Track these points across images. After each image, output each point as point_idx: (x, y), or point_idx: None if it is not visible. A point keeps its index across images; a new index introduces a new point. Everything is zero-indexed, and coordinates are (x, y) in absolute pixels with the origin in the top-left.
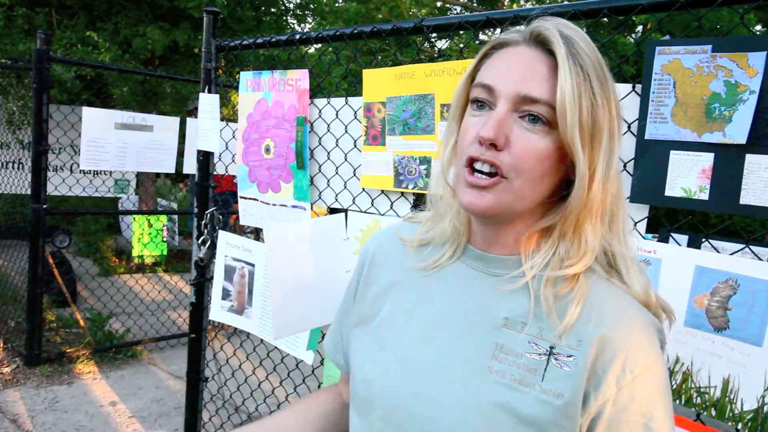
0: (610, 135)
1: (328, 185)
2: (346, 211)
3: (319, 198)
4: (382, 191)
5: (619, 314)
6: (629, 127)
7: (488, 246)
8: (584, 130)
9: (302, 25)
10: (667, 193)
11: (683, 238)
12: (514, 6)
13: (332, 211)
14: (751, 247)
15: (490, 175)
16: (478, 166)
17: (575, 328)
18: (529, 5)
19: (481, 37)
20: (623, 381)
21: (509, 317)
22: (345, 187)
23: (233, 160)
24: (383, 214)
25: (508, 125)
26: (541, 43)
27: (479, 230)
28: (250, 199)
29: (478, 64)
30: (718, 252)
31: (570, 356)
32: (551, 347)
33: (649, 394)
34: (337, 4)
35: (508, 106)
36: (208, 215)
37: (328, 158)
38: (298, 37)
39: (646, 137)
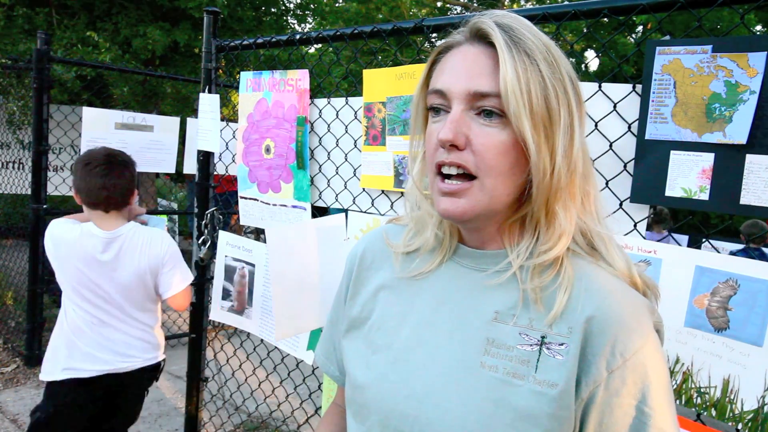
0: (569, 113)
1: (329, 185)
2: (346, 211)
3: (320, 198)
4: (383, 191)
5: (607, 297)
6: (629, 127)
7: (478, 243)
8: (536, 114)
9: (302, 25)
10: (667, 193)
11: (683, 238)
12: (514, 6)
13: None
14: (751, 246)
15: (460, 176)
16: (445, 170)
17: (565, 315)
18: (529, 5)
19: None
20: (614, 365)
21: (499, 311)
22: (345, 187)
23: (233, 160)
24: (383, 214)
25: (466, 124)
26: (482, 37)
27: (465, 230)
28: (251, 199)
29: (429, 72)
30: (718, 252)
31: (562, 344)
32: (542, 337)
33: (641, 377)
34: (337, 4)
35: (462, 105)
36: (208, 215)
37: (329, 158)
38: (298, 37)
39: (646, 137)
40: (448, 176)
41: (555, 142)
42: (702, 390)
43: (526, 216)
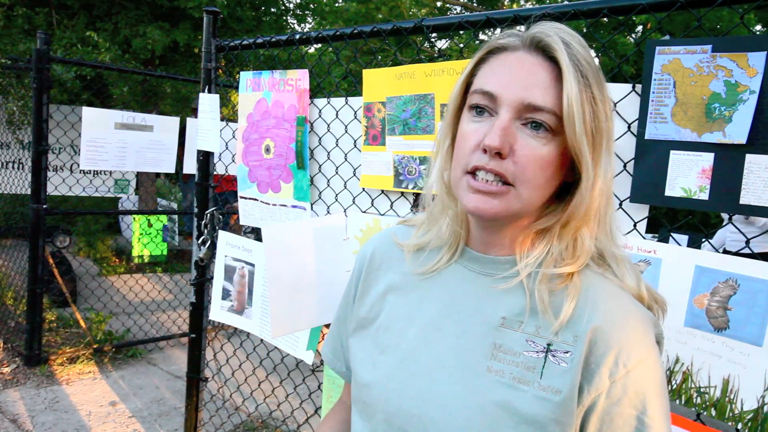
0: (608, 138)
1: (328, 185)
2: (345, 211)
3: (319, 198)
4: (382, 191)
5: (612, 308)
6: (629, 127)
7: (486, 248)
8: (588, 136)
9: (302, 25)
10: (667, 193)
11: (683, 238)
12: (514, 6)
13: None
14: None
15: (498, 183)
16: (481, 174)
17: (571, 323)
18: (529, 5)
19: (481, 36)
20: (616, 375)
21: (506, 317)
22: (345, 187)
23: (233, 160)
24: (383, 214)
25: (512, 133)
26: (542, 49)
27: (477, 233)
28: (250, 199)
29: (474, 69)
30: (718, 252)
31: (567, 352)
32: (548, 344)
33: (642, 387)
34: (337, 4)
35: (511, 113)
36: (208, 215)
37: (328, 158)
38: (298, 37)
39: (646, 137)
40: (485, 178)
41: (599, 164)
42: (702, 390)
43: (546, 228)
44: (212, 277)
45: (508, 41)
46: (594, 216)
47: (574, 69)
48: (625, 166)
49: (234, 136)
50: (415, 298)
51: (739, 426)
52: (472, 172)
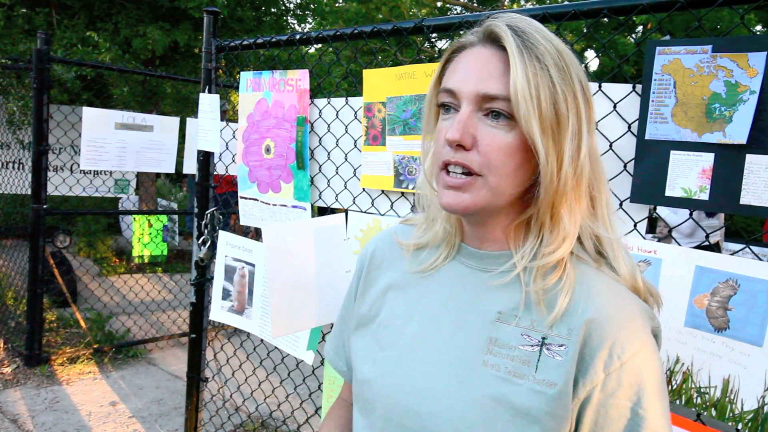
0: (578, 119)
1: (329, 185)
2: (346, 211)
3: (320, 198)
4: (383, 191)
5: (606, 301)
6: (629, 127)
7: (480, 243)
8: (545, 118)
9: (302, 25)
10: (667, 193)
11: None
12: (514, 6)
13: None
14: (751, 247)
15: (465, 175)
16: (451, 169)
17: (565, 317)
18: (529, 5)
19: None
20: (611, 367)
21: (502, 311)
22: (345, 187)
23: (233, 160)
24: (383, 214)
25: (473, 125)
26: (494, 40)
27: (469, 229)
28: (251, 199)
29: (442, 71)
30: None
31: (561, 345)
32: (543, 338)
33: (637, 379)
34: (337, 4)
35: (470, 106)
36: (208, 215)
37: (329, 158)
38: (298, 37)
39: (647, 137)
40: (454, 171)
41: (562, 146)
42: (702, 390)
43: (531, 218)
44: (212, 277)
45: (467, 39)
46: (570, 197)
47: (524, 54)
48: (625, 166)
49: (234, 136)
50: (414, 295)
51: (740, 426)
52: (445, 168)
